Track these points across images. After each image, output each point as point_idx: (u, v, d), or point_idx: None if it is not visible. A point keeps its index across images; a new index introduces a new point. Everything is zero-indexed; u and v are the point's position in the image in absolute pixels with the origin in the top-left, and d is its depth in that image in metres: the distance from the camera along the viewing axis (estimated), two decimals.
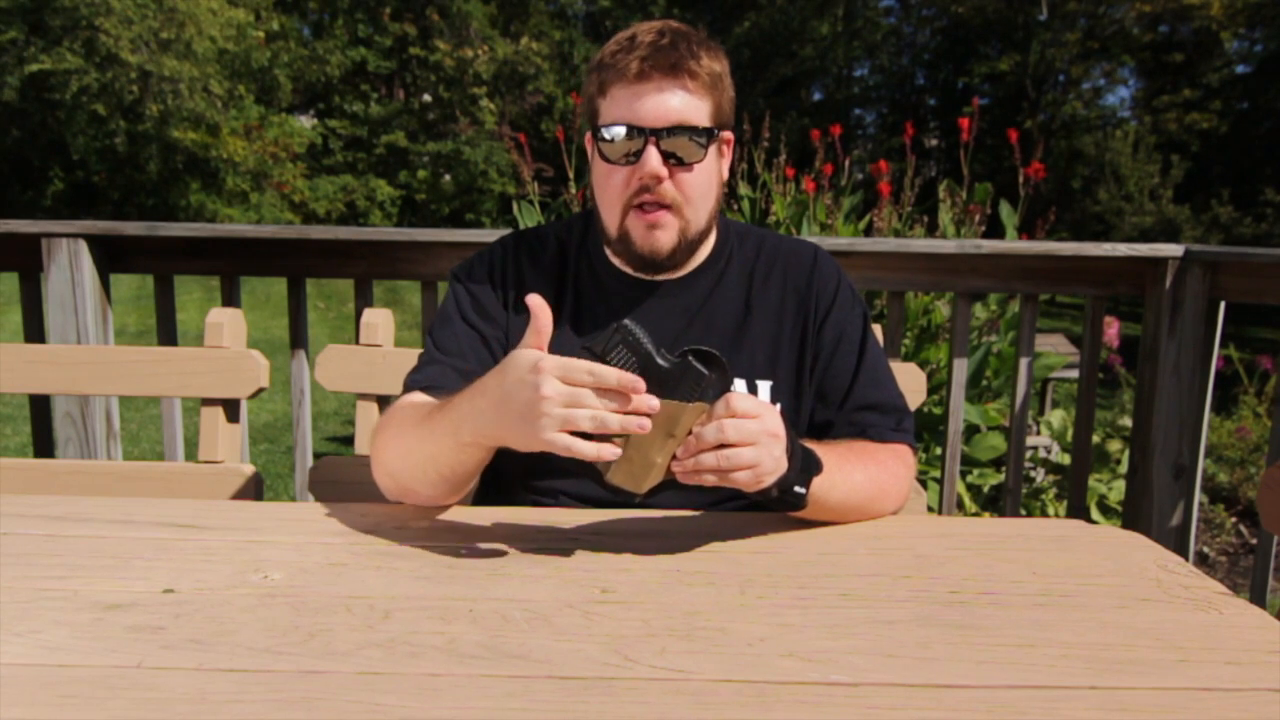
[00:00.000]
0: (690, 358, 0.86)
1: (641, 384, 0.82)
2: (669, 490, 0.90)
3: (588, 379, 0.82)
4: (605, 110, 1.07)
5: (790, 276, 1.19)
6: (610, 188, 1.08)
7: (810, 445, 0.98)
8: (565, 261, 1.19)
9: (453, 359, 1.12)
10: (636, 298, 1.16)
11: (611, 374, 0.82)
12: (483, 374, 1.04)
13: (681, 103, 1.05)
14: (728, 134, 1.14)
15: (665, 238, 1.09)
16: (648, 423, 0.83)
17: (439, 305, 1.21)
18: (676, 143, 1.05)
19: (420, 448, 0.98)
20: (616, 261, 1.17)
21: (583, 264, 1.19)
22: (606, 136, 1.06)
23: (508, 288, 1.17)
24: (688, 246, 1.12)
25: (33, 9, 15.63)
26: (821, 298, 1.18)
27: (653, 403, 0.83)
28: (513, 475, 1.15)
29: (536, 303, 0.88)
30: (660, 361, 0.86)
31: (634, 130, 1.04)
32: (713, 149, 1.09)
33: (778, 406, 1.15)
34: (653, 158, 1.04)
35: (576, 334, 1.15)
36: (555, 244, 1.20)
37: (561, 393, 0.82)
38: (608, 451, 0.83)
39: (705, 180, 1.09)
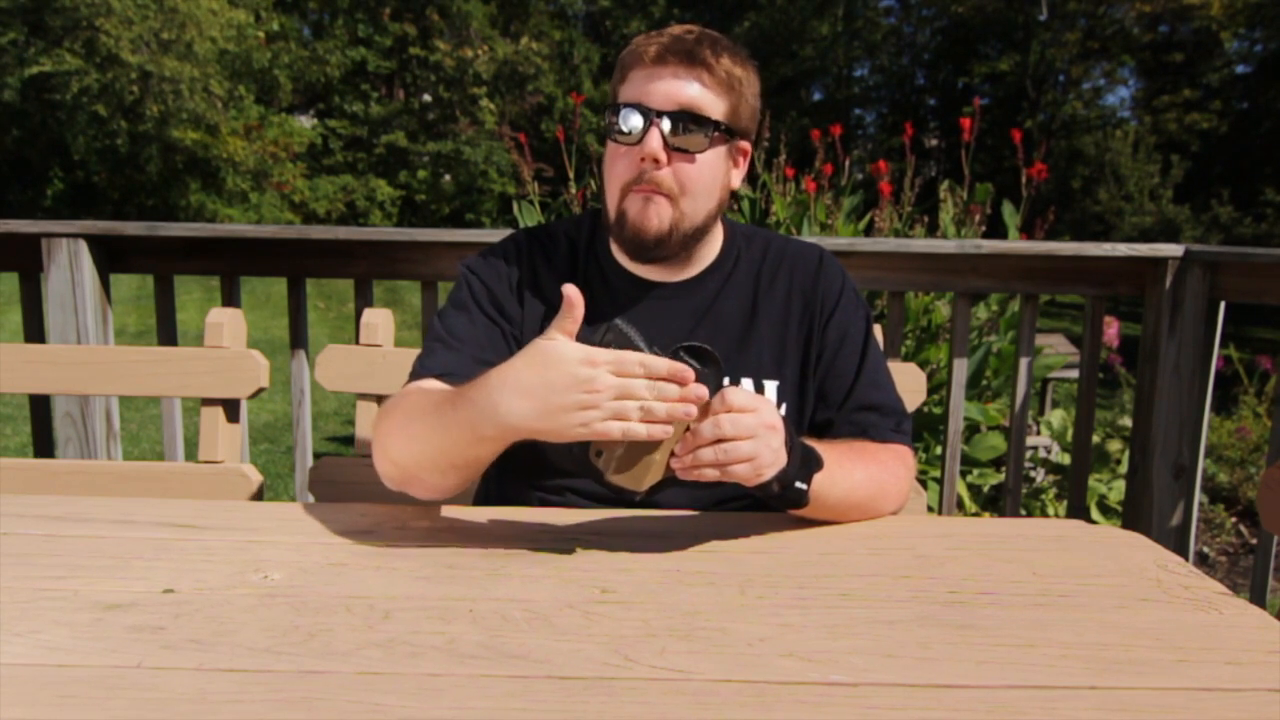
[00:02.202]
0: (683, 354, 0.86)
1: (691, 373, 0.83)
2: (670, 487, 0.90)
3: (639, 370, 0.83)
4: (621, 92, 1.08)
5: (796, 278, 1.19)
6: (614, 168, 1.09)
7: (811, 443, 0.99)
8: (575, 260, 1.19)
9: (469, 347, 1.10)
10: (644, 298, 1.16)
11: (661, 363, 0.83)
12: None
13: (693, 92, 1.05)
14: (743, 143, 1.13)
15: (655, 220, 1.08)
16: (694, 410, 0.83)
17: (448, 295, 1.19)
18: (680, 129, 1.05)
19: (431, 439, 0.96)
20: (623, 261, 1.17)
21: (591, 264, 1.19)
22: (616, 115, 1.06)
23: (522, 284, 1.16)
24: (680, 239, 1.10)
25: (33, 9, 15.62)
26: (826, 299, 1.18)
27: (702, 391, 0.83)
28: (519, 473, 1.15)
29: (572, 292, 0.88)
30: None
31: (641, 110, 1.04)
32: (720, 149, 1.09)
33: (783, 407, 1.15)
34: (653, 139, 1.04)
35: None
36: (566, 242, 1.20)
37: (615, 385, 0.83)
38: (659, 430, 0.83)
39: (706, 175, 1.08)
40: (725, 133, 1.08)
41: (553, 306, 1.14)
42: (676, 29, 1.08)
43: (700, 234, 1.13)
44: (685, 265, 1.16)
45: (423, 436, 0.97)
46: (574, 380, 0.83)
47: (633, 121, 1.05)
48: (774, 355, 1.16)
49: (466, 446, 0.93)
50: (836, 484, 0.99)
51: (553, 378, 0.84)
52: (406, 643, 0.72)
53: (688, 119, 1.05)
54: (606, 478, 0.88)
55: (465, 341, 1.10)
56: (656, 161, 1.05)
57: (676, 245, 1.11)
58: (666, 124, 1.04)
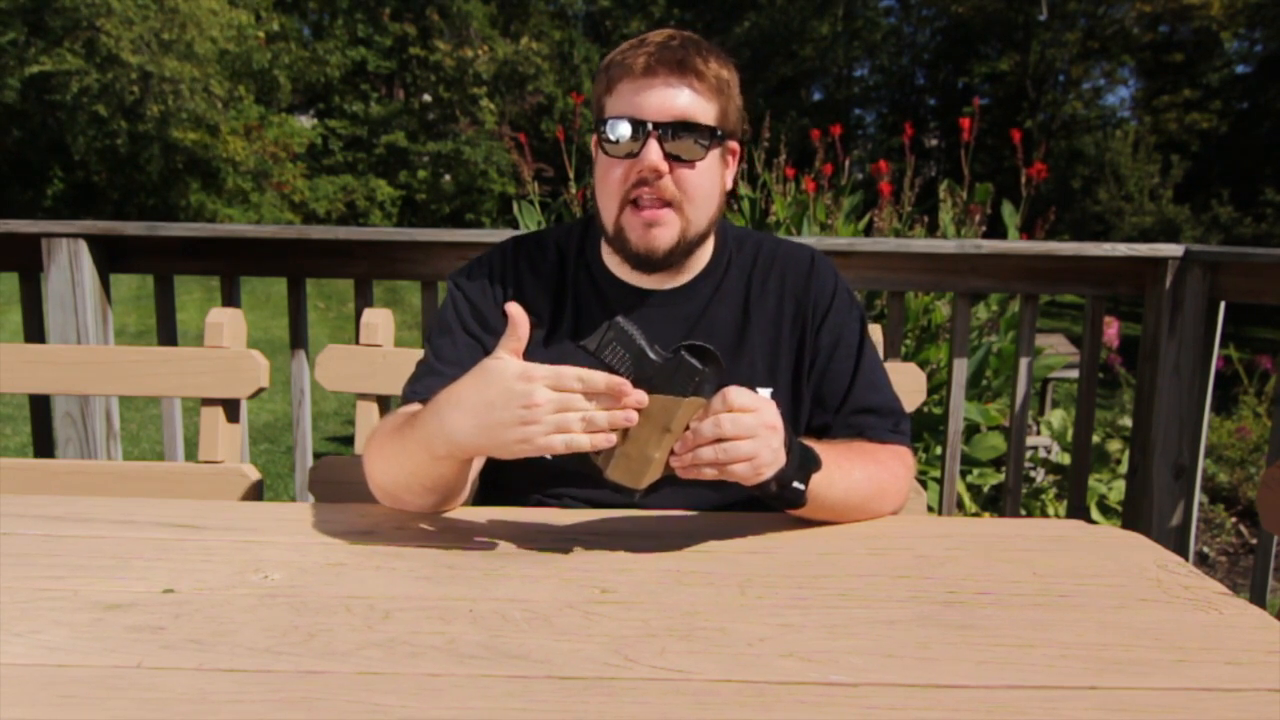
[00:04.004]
0: (684, 353, 0.87)
1: (628, 387, 0.84)
2: (668, 486, 0.90)
3: (578, 385, 0.84)
4: (610, 105, 1.07)
5: (788, 281, 1.19)
6: (609, 181, 1.08)
7: (810, 443, 0.99)
8: (565, 269, 1.18)
9: (453, 369, 1.10)
10: (636, 306, 1.15)
11: (600, 379, 0.84)
12: None
13: (686, 100, 1.05)
14: (733, 144, 1.14)
15: (664, 236, 1.08)
16: (634, 415, 0.85)
17: (438, 309, 1.20)
18: (679, 140, 1.04)
19: (399, 460, 0.99)
20: (615, 268, 1.16)
21: (581, 272, 1.18)
22: (609, 130, 1.05)
23: (508, 296, 1.15)
24: (686, 248, 1.11)
25: (33, 9, 15.61)
26: (819, 302, 1.18)
27: (641, 398, 0.85)
28: (517, 478, 1.15)
29: (516, 311, 0.90)
30: (653, 357, 0.87)
31: (637, 124, 1.04)
32: (715, 152, 1.09)
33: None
34: (653, 151, 1.04)
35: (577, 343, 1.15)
36: (555, 251, 1.19)
37: (553, 400, 0.84)
38: (602, 439, 0.85)
39: (707, 181, 1.08)
40: (719, 137, 1.08)
41: (539, 316, 1.14)
42: (658, 36, 1.07)
43: (703, 239, 1.14)
44: (678, 272, 1.16)
45: (394, 459, 1.00)
46: (511, 396, 0.85)
47: (627, 134, 1.04)
48: (767, 362, 1.16)
49: (428, 466, 0.96)
50: (835, 484, 0.99)
51: (492, 395, 0.86)
52: (406, 643, 0.72)
53: (683, 128, 1.04)
54: (606, 475, 0.88)
55: (450, 364, 1.11)
56: (657, 172, 1.05)
57: (681, 254, 1.12)
58: (662, 134, 1.04)
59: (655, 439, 0.86)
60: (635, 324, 0.88)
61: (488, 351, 1.13)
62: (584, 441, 0.84)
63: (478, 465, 1.12)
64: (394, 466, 1.00)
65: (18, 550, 0.90)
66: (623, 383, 0.84)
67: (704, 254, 1.17)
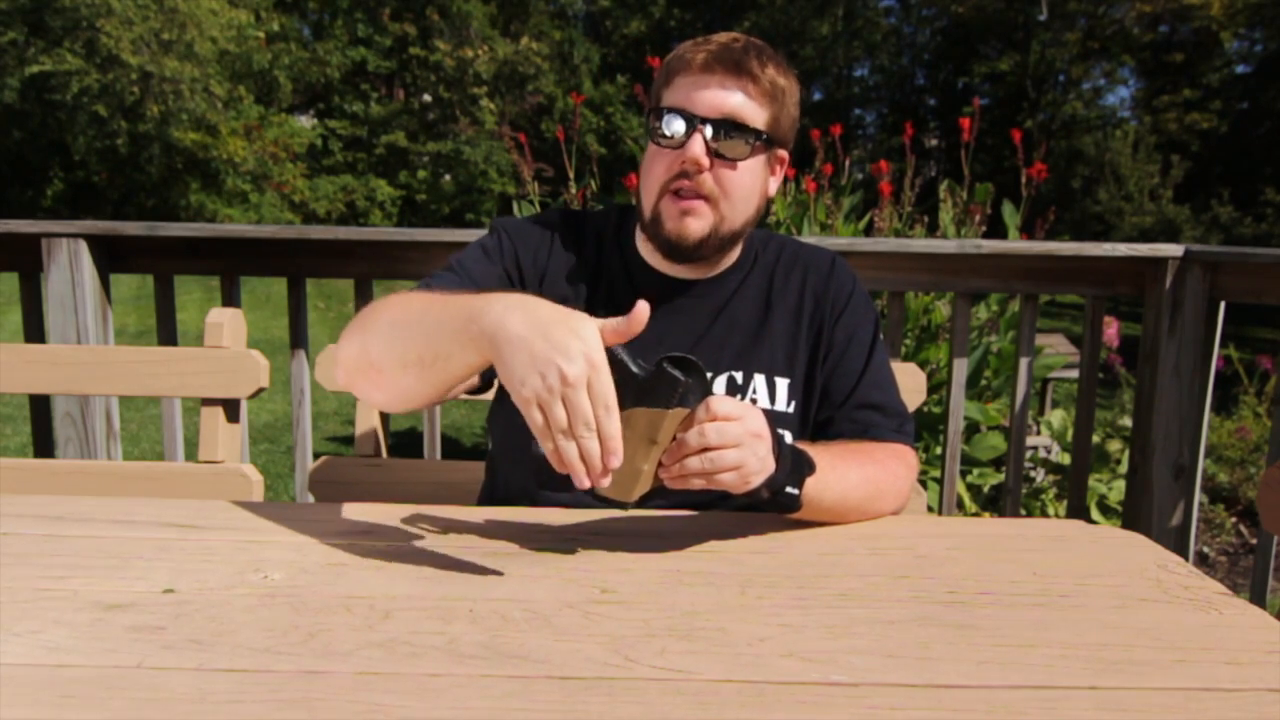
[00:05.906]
0: (665, 364, 0.87)
1: (618, 458, 0.80)
2: (658, 497, 0.91)
3: (601, 410, 0.79)
4: (666, 97, 1.10)
5: (810, 278, 1.21)
6: (654, 169, 1.10)
7: (804, 446, 0.99)
8: (601, 253, 1.21)
9: (481, 281, 1.09)
10: (665, 296, 1.17)
11: (613, 427, 0.79)
12: None
13: (738, 101, 1.07)
14: (781, 152, 1.15)
15: (697, 225, 1.10)
16: (585, 481, 0.80)
17: (468, 246, 1.17)
18: (725, 138, 1.06)
19: (424, 317, 0.92)
20: (648, 257, 1.18)
21: (615, 257, 1.20)
22: (659, 119, 1.08)
23: (550, 257, 1.17)
24: (718, 243, 1.12)
25: (33, 10, 15.61)
26: (837, 299, 1.20)
27: (603, 484, 0.81)
28: (518, 489, 1.16)
29: (643, 308, 0.82)
30: (635, 370, 0.86)
31: (686, 116, 1.06)
32: (760, 157, 1.11)
33: (793, 405, 1.16)
34: (696, 145, 1.06)
35: None
36: (593, 233, 1.22)
37: (576, 395, 0.78)
38: (556, 461, 0.80)
39: (747, 182, 1.10)
40: (765, 142, 1.10)
41: (575, 292, 1.16)
42: (722, 38, 1.09)
43: (737, 239, 1.16)
44: (709, 265, 1.18)
45: (418, 313, 0.94)
46: (563, 351, 0.78)
47: (676, 126, 1.07)
48: (786, 353, 1.18)
49: (445, 337, 0.89)
50: (830, 487, 0.99)
51: (556, 334, 0.79)
52: (406, 643, 0.72)
53: (731, 127, 1.06)
54: (596, 489, 0.88)
55: (477, 278, 1.10)
56: (698, 166, 1.06)
57: (713, 248, 1.13)
58: (709, 130, 1.06)
59: (643, 451, 0.87)
60: (654, 319, 0.87)
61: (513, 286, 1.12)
62: (548, 445, 0.79)
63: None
64: (412, 322, 0.93)
65: (18, 550, 0.90)
66: (618, 451, 0.79)
67: (734, 251, 1.20)
